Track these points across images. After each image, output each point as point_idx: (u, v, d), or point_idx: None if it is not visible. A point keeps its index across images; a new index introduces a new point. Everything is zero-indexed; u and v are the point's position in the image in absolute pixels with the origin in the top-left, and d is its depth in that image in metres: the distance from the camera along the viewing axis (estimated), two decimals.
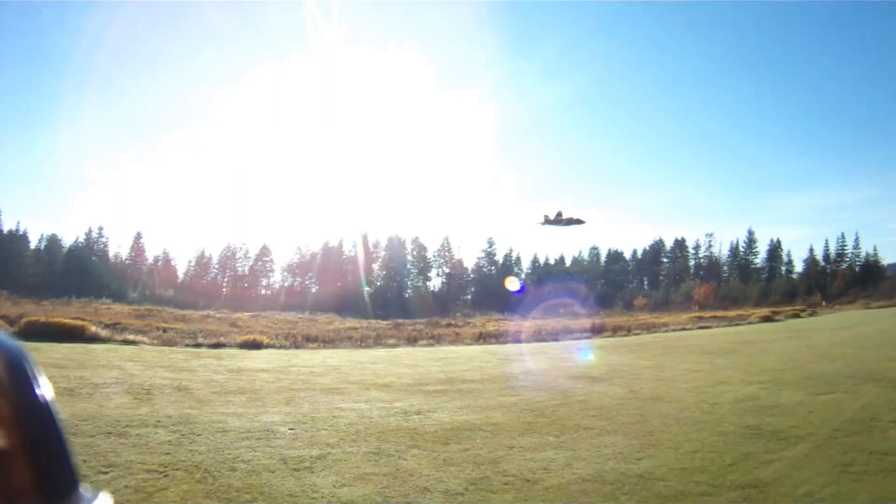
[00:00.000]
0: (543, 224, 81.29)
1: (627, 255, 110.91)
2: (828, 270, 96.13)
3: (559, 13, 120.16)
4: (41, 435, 0.86)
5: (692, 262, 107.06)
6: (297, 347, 22.91)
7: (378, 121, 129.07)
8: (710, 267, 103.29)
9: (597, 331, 32.74)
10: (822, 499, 5.23)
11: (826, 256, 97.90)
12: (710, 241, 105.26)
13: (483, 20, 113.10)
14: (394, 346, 24.89)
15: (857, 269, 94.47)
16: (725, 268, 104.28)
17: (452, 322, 44.52)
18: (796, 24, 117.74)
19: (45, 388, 0.88)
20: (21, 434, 0.82)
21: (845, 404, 9.69)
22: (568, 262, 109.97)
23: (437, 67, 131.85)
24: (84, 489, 0.89)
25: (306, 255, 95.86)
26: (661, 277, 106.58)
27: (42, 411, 0.87)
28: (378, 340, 26.42)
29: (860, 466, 6.13)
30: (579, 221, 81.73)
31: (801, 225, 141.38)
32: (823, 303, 71.93)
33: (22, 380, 0.86)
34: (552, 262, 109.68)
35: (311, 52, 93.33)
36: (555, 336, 29.80)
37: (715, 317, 46.29)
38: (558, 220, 79.83)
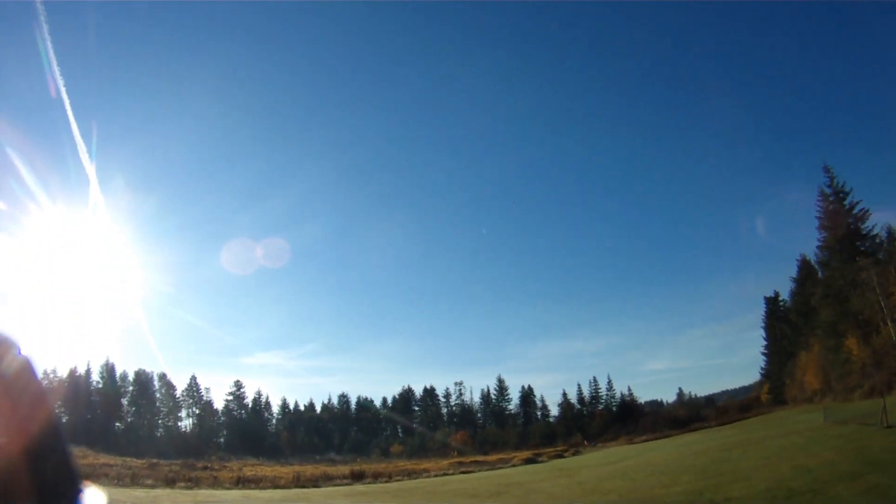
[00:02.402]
0: None
1: (378, 403, 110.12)
2: (584, 412, 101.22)
3: None
4: (41, 435, 0.90)
5: (444, 410, 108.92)
6: None
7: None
8: (464, 414, 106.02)
9: (357, 477, 33.51)
10: None
11: (581, 399, 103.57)
12: (460, 390, 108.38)
13: None
14: (151, 486, 24.40)
15: (614, 408, 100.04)
16: (479, 415, 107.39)
17: (209, 465, 43.19)
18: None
19: (44, 389, 0.97)
20: (22, 434, 0.85)
21: None
22: (318, 409, 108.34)
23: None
24: (83, 488, 0.99)
25: (54, 382, 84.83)
26: (414, 425, 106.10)
27: (42, 412, 0.94)
28: (135, 480, 25.62)
29: None
30: None
31: (550, 372, 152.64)
32: (585, 442, 76.33)
33: (23, 381, 0.90)
34: (302, 407, 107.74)
35: None
36: (315, 482, 30.50)
37: (476, 461, 47.93)
38: None
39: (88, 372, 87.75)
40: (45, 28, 55.21)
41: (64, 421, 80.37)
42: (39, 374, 1.00)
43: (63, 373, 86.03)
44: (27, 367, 0.95)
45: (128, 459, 41.17)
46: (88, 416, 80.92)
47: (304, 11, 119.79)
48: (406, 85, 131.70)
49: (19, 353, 0.94)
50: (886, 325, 47.33)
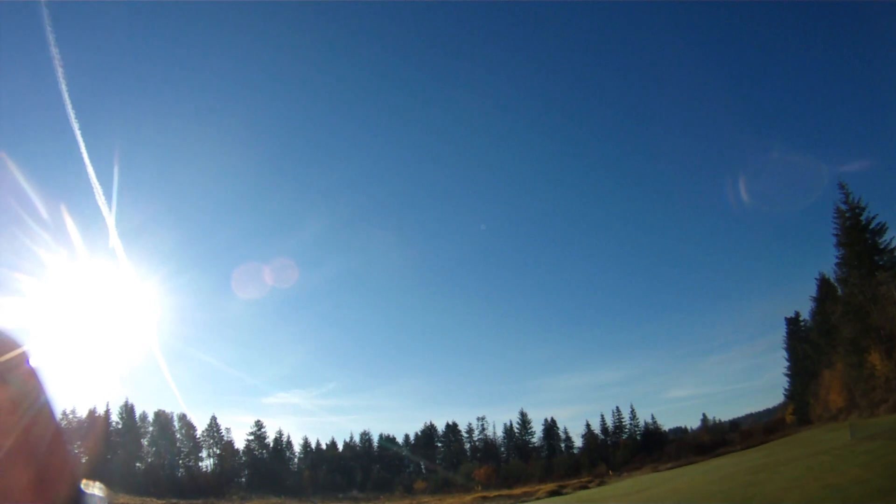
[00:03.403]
0: None
1: (400, 440, 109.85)
2: (609, 442, 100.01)
3: None
4: (42, 435, 0.88)
5: (467, 446, 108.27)
6: None
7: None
8: (487, 449, 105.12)
9: None
10: None
11: (604, 429, 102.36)
12: (483, 425, 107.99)
13: None
14: None
15: (638, 437, 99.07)
16: (503, 449, 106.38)
17: None
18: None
19: (46, 389, 0.92)
20: (23, 434, 0.84)
21: None
22: (340, 447, 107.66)
23: None
24: (84, 490, 0.96)
25: (73, 422, 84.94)
26: (437, 461, 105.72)
27: (43, 412, 0.91)
28: None
29: None
30: None
31: (573, 404, 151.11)
32: (610, 472, 76.46)
33: (24, 381, 0.89)
34: (324, 446, 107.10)
35: None
36: None
37: (500, 495, 47.44)
38: None
39: (108, 412, 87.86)
40: (61, 71, 56.79)
41: (83, 461, 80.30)
42: (45, 384, 0.99)
43: (82, 413, 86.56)
44: (34, 376, 0.97)
45: (147, 500, 41.16)
46: (108, 457, 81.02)
47: (320, 51, 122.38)
48: (424, 117, 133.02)
49: (28, 362, 0.96)
50: None
